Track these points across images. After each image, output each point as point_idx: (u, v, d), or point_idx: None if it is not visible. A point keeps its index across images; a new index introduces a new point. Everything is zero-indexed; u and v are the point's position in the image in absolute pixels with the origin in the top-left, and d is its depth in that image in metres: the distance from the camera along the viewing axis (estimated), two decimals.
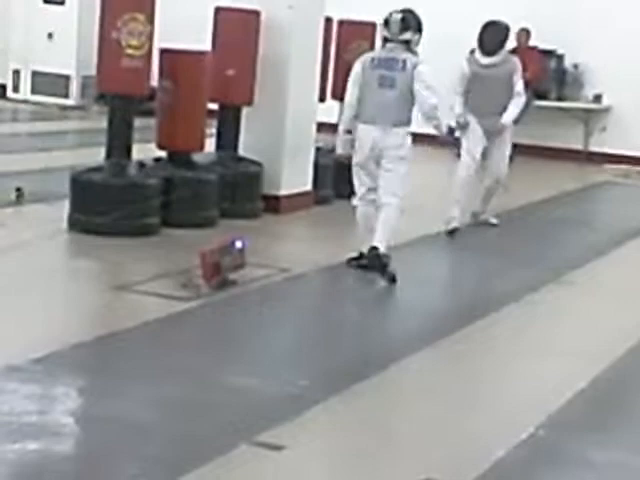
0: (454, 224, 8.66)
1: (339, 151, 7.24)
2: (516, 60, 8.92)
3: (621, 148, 14.05)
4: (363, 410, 4.87)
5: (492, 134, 8.83)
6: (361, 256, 7.08)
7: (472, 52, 13.70)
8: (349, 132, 7.07)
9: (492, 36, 8.76)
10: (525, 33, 13.51)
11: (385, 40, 7.05)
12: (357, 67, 7.09)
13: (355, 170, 7.06)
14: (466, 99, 8.77)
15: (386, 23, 7.00)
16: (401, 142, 6.90)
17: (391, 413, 4.95)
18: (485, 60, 8.76)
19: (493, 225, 9.31)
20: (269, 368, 5.30)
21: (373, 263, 6.82)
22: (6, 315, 5.66)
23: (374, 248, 6.81)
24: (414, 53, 6.99)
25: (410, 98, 6.90)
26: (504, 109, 8.74)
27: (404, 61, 6.90)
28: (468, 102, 8.76)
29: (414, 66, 6.87)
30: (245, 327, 5.92)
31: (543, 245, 8.85)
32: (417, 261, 7.86)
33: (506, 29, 8.79)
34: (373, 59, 7.05)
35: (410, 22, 6.97)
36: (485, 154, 8.99)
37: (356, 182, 7.08)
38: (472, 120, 8.77)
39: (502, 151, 8.98)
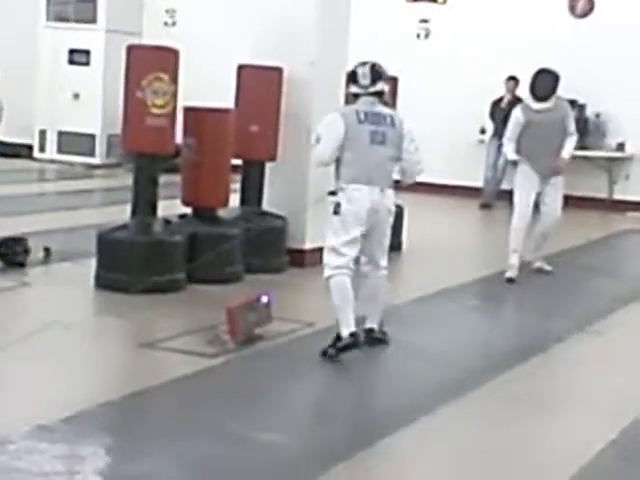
0: (512, 273, 8.98)
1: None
2: (567, 104, 9.30)
3: None
4: (390, 467, 4.84)
5: (547, 177, 9.07)
6: (338, 338, 6.23)
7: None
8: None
9: (543, 83, 9.05)
10: (514, 82, 13.69)
11: (354, 96, 6.32)
12: (336, 122, 6.22)
13: (341, 242, 6.20)
14: (518, 145, 9.04)
15: (353, 77, 6.32)
16: (393, 205, 6.37)
17: (418, 470, 4.91)
18: (538, 106, 9.02)
19: (548, 272, 9.42)
20: (296, 425, 5.29)
21: (373, 344, 6.58)
22: (34, 374, 5.68)
23: (371, 330, 6.62)
24: (387, 105, 6.38)
25: (398, 156, 6.32)
26: (558, 152, 9.03)
27: (391, 117, 6.30)
28: (521, 148, 9.04)
29: (401, 122, 6.32)
30: (272, 383, 5.90)
31: (569, 294, 8.82)
32: (442, 313, 7.84)
33: (556, 76, 9.07)
34: (358, 112, 6.21)
35: (381, 71, 6.30)
36: (540, 199, 9.20)
37: (339, 252, 6.21)
38: (526, 167, 9.01)
39: (559, 192, 9.24)
